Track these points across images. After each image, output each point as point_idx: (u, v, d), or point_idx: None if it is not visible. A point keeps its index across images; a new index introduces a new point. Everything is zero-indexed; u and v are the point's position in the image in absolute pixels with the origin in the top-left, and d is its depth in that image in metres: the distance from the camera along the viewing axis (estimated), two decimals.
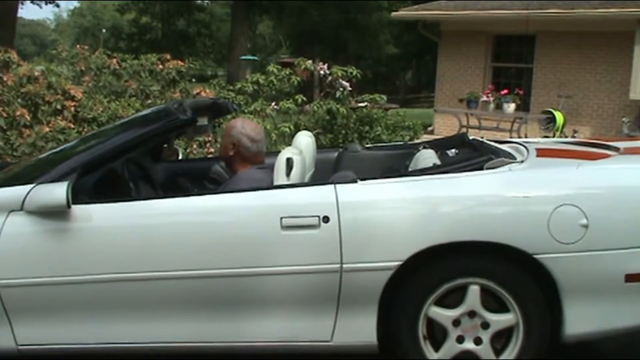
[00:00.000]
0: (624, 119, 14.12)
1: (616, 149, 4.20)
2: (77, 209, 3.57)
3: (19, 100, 7.82)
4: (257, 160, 4.23)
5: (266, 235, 3.52)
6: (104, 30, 55.77)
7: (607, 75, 14.98)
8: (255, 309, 3.60)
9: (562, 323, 3.53)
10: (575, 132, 13.99)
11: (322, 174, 4.37)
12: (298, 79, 9.28)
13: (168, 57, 9.33)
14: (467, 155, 4.21)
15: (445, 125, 16.96)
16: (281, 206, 3.55)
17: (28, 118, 7.56)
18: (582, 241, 3.45)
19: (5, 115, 7.53)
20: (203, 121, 4.45)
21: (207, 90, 8.99)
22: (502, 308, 3.57)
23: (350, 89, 9.37)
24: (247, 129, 4.23)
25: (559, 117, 13.69)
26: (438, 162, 4.07)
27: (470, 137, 4.70)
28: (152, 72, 9.09)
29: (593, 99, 15.24)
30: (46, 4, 36.70)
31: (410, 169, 4.28)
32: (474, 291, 3.55)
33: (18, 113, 7.53)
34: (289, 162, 3.78)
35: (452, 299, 3.58)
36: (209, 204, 3.69)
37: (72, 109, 7.84)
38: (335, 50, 29.44)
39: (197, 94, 8.64)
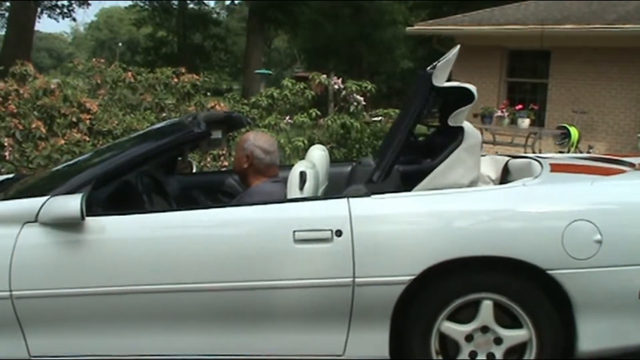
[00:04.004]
0: (639, 135, 14.04)
1: (631, 165, 4.18)
2: (91, 221, 3.58)
3: (35, 112, 7.87)
4: (271, 173, 4.23)
5: (279, 248, 3.53)
6: (120, 44, 56.19)
7: (622, 91, 14.89)
8: (267, 322, 3.60)
9: (575, 339, 3.51)
10: (590, 147, 13.92)
11: (336, 188, 4.36)
12: (312, 93, 9.28)
13: (183, 70, 9.35)
14: None
15: None
16: (294, 220, 3.56)
17: (44, 130, 7.61)
18: (596, 257, 3.43)
19: (21, 127, 7.57)
20: (217, 134, 4.46)
21: (222, 104, 8.99)
22: (515, 324, 3.55)
23: (364, 103, 9.37)
24: (260, 141, 4.24)
25: (574, 132, 13.63)
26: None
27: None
28: (167, 85, 9.12)
29: (608, 115, 15.16)
30: (63, 18, 36.98)
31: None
32: (487, 306, 3.53)
33: (34, 125, 7.57)
34: (302, 176, 3.78)
35: (465, 314, 3.57)
36: (222, 217, 3.69)
37: (88, 121, 7.88)
38: (350, 64, 29.47)
39: (212, 107, 8.65)
